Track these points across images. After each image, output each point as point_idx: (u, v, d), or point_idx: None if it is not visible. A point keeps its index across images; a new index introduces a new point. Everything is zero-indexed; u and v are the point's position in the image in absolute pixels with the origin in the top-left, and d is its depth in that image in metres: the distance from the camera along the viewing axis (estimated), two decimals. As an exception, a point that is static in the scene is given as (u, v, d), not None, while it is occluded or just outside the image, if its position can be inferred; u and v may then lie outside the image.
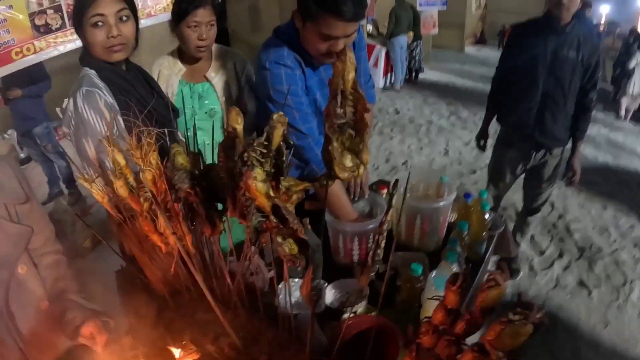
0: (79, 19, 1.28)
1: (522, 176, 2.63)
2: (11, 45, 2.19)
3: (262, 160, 0.66)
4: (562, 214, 3.70)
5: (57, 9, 2.27)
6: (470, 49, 11.59)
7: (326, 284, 1.35)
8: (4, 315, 1.05)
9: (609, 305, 2.68)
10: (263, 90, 1.52)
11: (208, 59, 1.85)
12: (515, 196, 2.98)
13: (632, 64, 6.36)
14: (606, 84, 9.65)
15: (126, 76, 1.37)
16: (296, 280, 1.31)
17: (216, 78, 1.84)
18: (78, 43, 2.46)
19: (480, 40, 12.59)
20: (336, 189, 1.48)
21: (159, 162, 0.89)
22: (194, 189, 0.82)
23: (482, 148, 2.70)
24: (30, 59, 2.28)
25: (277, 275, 1.02)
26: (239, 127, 0.77)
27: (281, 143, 0.68)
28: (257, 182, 0.62)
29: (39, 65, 3.32)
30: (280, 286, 1.07)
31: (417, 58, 8.03)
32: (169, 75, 1.82)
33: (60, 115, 4.18)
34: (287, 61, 1.48)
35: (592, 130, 6.15)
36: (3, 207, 1.03)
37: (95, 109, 1.23)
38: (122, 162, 0.95)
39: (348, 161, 0.73)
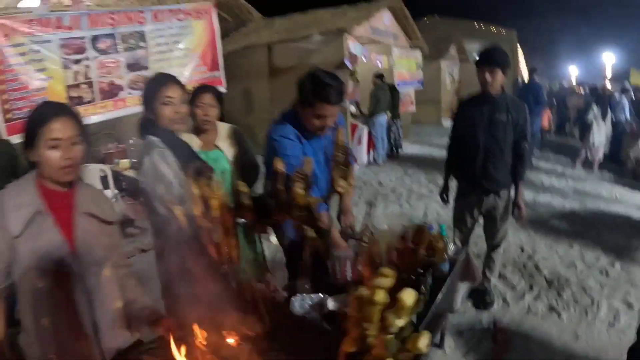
0: (152, 98, 1.87)
1: (482, 221, 3.36)
2: None
3: (299, 181, 1.43)
4: (531, 254, 4.29)
5: (90, 85, 2.85)
6: (447, 123, 12.70)
7: (327, 297, 1.94)
8: (89, 304, 1.38)
9: (579, 323, 3.13)
10: (274, 155, 2.13)
11: (214, 132, 2.52)
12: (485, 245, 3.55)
13: (589, 117, 7.58)
14: (574, 139, 10.78)
15: (181, 143, 1.97)
16: (305, 295, 1.91)
17: (224, 146, 2.51)
18: (108, 115, 2.99)
19: (457, 114, 13.83)
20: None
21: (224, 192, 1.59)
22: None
23: (445, 201, 3.49)
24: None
25: (290, 291, 1.69)
26: (280, 169, 1.55)
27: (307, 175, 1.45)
28: (298, 189, 1.38)
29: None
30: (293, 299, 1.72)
31: (394, 136, 8.99)
32: None
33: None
34: (290, 135, 2.21)
35: (560, 182, 7.03)
36: (98, 223, 1.46)
37: (167, 163, 1.82)
38: (197, 192, 1.60)
39: (342, 182, 1.51)
